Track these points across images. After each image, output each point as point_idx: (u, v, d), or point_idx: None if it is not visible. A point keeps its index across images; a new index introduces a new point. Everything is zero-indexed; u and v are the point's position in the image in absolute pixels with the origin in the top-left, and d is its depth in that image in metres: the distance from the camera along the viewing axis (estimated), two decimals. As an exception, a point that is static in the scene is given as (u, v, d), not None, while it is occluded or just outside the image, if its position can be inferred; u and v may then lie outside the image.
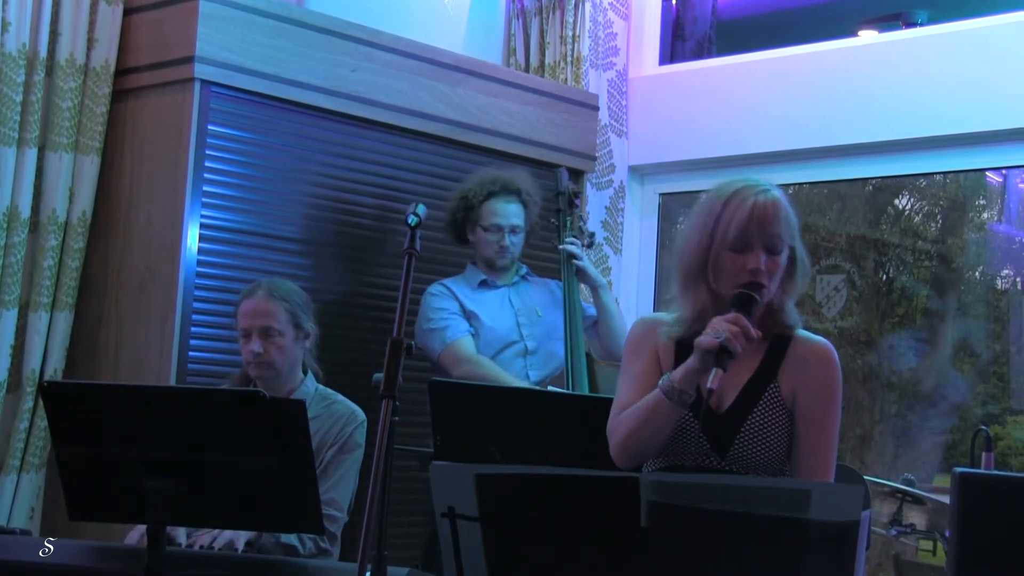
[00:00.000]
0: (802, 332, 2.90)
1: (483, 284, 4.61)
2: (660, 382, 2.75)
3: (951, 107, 5.04)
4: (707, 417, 2.80)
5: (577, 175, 5.30)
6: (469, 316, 4.51)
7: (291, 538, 3.50)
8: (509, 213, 4.54)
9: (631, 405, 2.83)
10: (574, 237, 4.67)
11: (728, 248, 2.76)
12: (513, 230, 4.55)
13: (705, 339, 2.68)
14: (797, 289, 2.87)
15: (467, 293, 4.56)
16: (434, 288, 4.57)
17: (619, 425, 2.82)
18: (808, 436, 2.81)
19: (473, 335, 4.49)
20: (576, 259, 4.55)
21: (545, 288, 4.70)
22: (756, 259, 2.75)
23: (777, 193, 2.80)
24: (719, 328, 2.67)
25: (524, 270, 4.72)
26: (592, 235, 4.87)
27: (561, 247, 4.62)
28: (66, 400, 2.89)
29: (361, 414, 3.75)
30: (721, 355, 2.64)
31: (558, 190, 4.80)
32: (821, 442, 2.82)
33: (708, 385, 2.64)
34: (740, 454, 2.79)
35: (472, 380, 4.26)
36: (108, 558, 3.05)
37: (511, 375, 4.43)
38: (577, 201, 4.85)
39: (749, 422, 2.80)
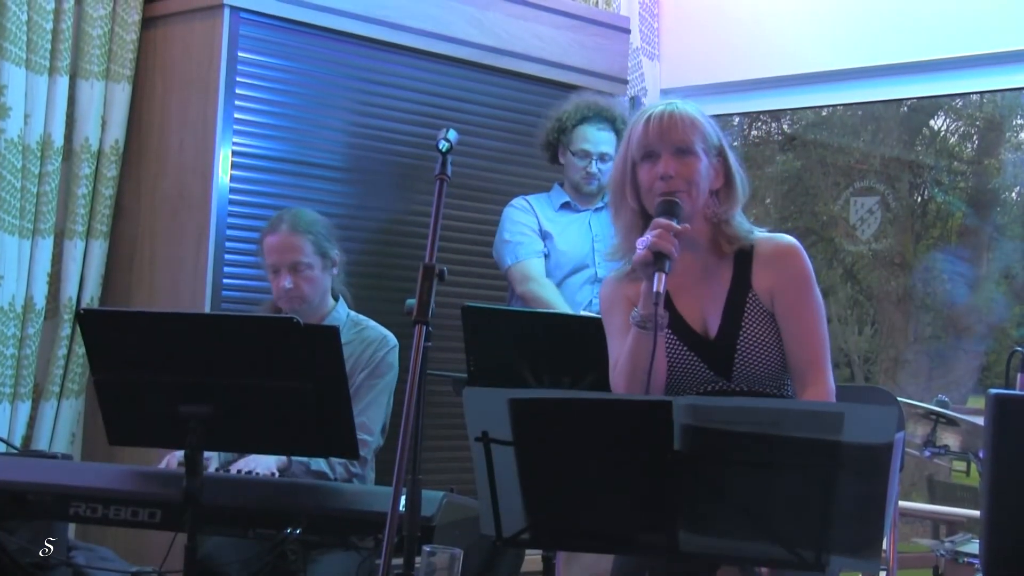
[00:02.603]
0: (760, 234, 2.91)
1: (565, 206, 4.64)
2: (631, 317, 2.75)
3: (988, 25, 4.96)
4: (700, 345, 2.83)
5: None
6: (544, 236, 4.56)
7: (320, 464, 3.53)
8: (600, 140, 4.54)
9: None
10: None
11: (641, 162, 2.82)
12: (602, 157, 4.55)
13: (636, 255, 2.70)
14: (737, 200, 2.88)
15: (547, 213, 4.61)
16: (516, 202, 4.64)
17: (618, 378, 2.83)
18: (792, 329, 2.82)
19: (545, 255, 4.54)
20: None
21: None
22: (664, 164, 2.78)
23: (683, 105, 2.85)
24: (645, 238, 2.69)
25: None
26: None
27: None
28: (103, 327, 2.93)
29: (393, 339, 3.77)
30: (658, 260, 2.65)
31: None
32: (805, 333, 2.82)
33: (654, 289, 2.63)
34: (743, 372, 2.81)
35: (534, 298, 4.41)
36: (147, 482, 3.10)
37: (576, 302, 4.49)
38: None
39: (742, 339, 2.81)
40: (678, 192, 2.77)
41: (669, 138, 2.79)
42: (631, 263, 2.81)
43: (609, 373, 2.88)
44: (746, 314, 2.83)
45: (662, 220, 2.70)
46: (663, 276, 2.64)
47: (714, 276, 2.87)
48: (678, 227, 2.69)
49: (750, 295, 2.84)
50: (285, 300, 3.71)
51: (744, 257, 2.88)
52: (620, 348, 2.84)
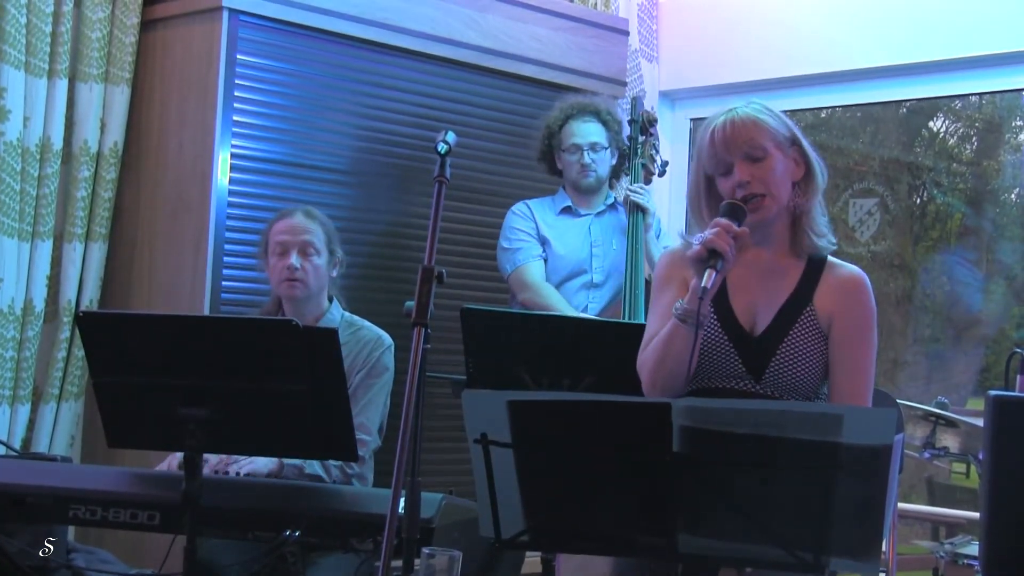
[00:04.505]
0: (834, 260, 2.91)
1: (566, 210, 4.64)
2: (673, 308, 2.74)
3: (987, 26, 4.96)
4: (742, 339, 2.81)
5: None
6: (542, 241, 4.58)
7: (316, 467, 3.53)
8: (587, 132, 4.56)
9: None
10: (644, 163, 4.70)
11: (717, 175, 2.83)
12: (593, 147, 4.56)
13: (691, 250, 2.70)
14: (817, 187, 2.87)
15: (547, 217, 4.63)
16: (517, 207, 4.66)
17: (645, 360, 2.83)
18: (844, 363, 2.81)
19: (544, 259, 4.56)
20: (638, 194, 4.57)
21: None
22: (739, 173, 2.79)
23: (748, 109, 2.84)
24: (702, 235, 2.70)
25: (612, 198, 4.73)
26: (665, 164, 4.87)
27: (628, 191, 4.63)
28: (102, 330, 2.93)
29: (388, 339, 3.77)
30: (711, 257, 2.65)
31: (631, 117, 4.81)
32: (857, 370, 2.82)
33: (702, 284, 2.63)
34: (775, 377, 2.79)
35: (534, 307, 4.42)
36: (146, 484, 3.09)
37: (573, 306, 4.50)
38: (653, 129, 4.84)
39: (785, 344, 2.80)
40: (757, 196, 2.77)
41: (736, 146, 2.79)
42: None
43: (639, 350, 2.87)
44: (798, 324, 2.81)
45: (722, 220, 2.70)
46: (713, 273, 2.64)
47: (778, 278, 2.86)
48: (737, 229, 2.69)
49: (808, 308, 2.83)
50: (287, 283, 3.70)
51: (814, 270, 2.87)
52: (657, 326, 2.83)
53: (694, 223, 2.92)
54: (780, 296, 2.84)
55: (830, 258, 2.90)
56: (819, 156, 2.90)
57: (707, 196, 2.86)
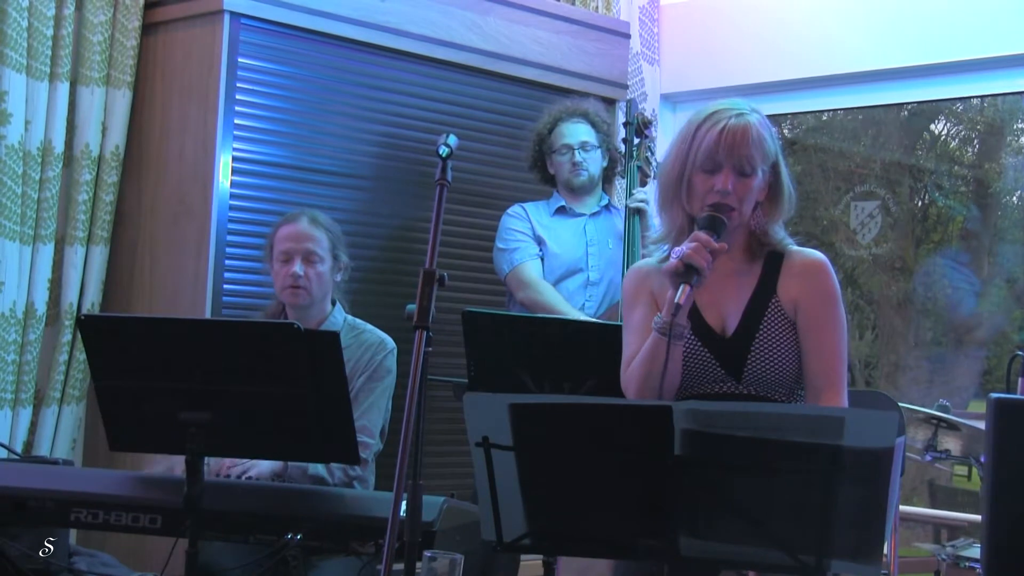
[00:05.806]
0: (793, 247, 2.91)
1: (560, 211, 4.67)
2: (653, 323, 2.74)
3: (988, 29, 4.96)
4: (716, 342, 2.81)
5: (609, 104, 5.26)
6: (538, 241, 4.60)
7: (319, 469, 3.53)
8: (576, 132, 4.60)
9: (636, 355, 2.83)
10: (639, 165, 4.71)
11: (699, 169, 2.79)
12: (583, 146, 4.60)
13: (668, 263, 2.70)
14: (782, 214, 2.89)
15: (542, 219, 4.65)
16: (512, 209, 4.69)
17: (630, 378, 2.83)
18: (814, 346, 2.81)
19: (541, 258, 4.59)
20: (637, 201, 4.58)
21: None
22: (723, 180, 2.77)
23: (754, 118, 2.81)
24: (680, 248, 2.69)
25: (607, 200, 4.76)
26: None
27: (628, 201, 4.64)
28: (103, 333, 2.93)
29: (391, 342, 3.77)
30: (688, 272, 2.65)
31: (626, 119, 4.82)
32: (826, 349, 2.81)
33: (675, 300, 2.63)
34: (754, 374, 2.80)
35: (532, 305, 4.46)
36: (148, 488, 3.10)
37: (570, 304, 4.49)
38: (648, 131, 4.84)
39: (758, 340, 2.81)
40: (728, 208, 2.76)
41: (737, 154, 2.77)
42: (666, 249, 2.85)
43: (621, 369, 2.87)
44: (766, 317, 2.82)
45: (702, 235, 2.69)
46: (688, 289, 2.63)
47: (740, 277, 2.87)
48: (716, 245, 2.68)
49: (773, 300, 2.83)
50: (290, 290, 3.70)
51: (773, 263, 2.88)
52: (635, 344, 2.83)
53: (666, 201, 2.88)
54: (745, 293, 2.86)
55: (789, 247, 2.90)
56: (794, 186, 2.90)
57: (689, 182, 2.82)
